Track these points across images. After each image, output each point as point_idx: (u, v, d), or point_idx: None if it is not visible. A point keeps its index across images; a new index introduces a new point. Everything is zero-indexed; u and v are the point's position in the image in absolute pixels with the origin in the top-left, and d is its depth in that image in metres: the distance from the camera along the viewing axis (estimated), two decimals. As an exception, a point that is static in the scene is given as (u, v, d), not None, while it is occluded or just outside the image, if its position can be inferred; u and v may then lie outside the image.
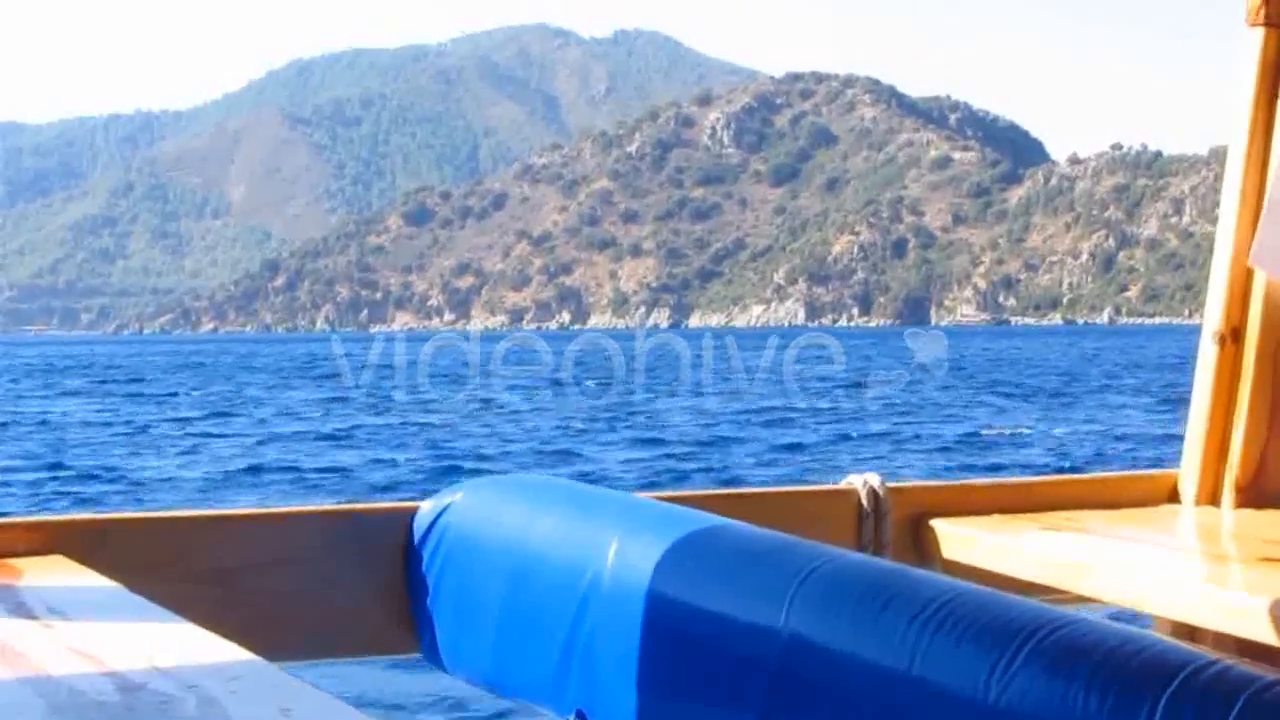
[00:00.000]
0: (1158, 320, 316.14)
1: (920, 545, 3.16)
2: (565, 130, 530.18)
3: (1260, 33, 3.33)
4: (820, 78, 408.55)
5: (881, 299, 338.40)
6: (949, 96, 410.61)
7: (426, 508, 2.94)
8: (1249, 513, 3.33)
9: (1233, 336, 3.35)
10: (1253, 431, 3.35)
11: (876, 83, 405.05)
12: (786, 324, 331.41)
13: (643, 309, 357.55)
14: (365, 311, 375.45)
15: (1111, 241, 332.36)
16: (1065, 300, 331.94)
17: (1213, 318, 3.38)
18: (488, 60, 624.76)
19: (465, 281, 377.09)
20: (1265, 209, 3.29)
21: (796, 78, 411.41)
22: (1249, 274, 3.35)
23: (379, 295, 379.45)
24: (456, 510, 2.89)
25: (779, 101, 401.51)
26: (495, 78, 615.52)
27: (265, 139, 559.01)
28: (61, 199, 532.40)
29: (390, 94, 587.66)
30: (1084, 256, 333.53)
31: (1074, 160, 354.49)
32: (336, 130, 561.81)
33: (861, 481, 3.13)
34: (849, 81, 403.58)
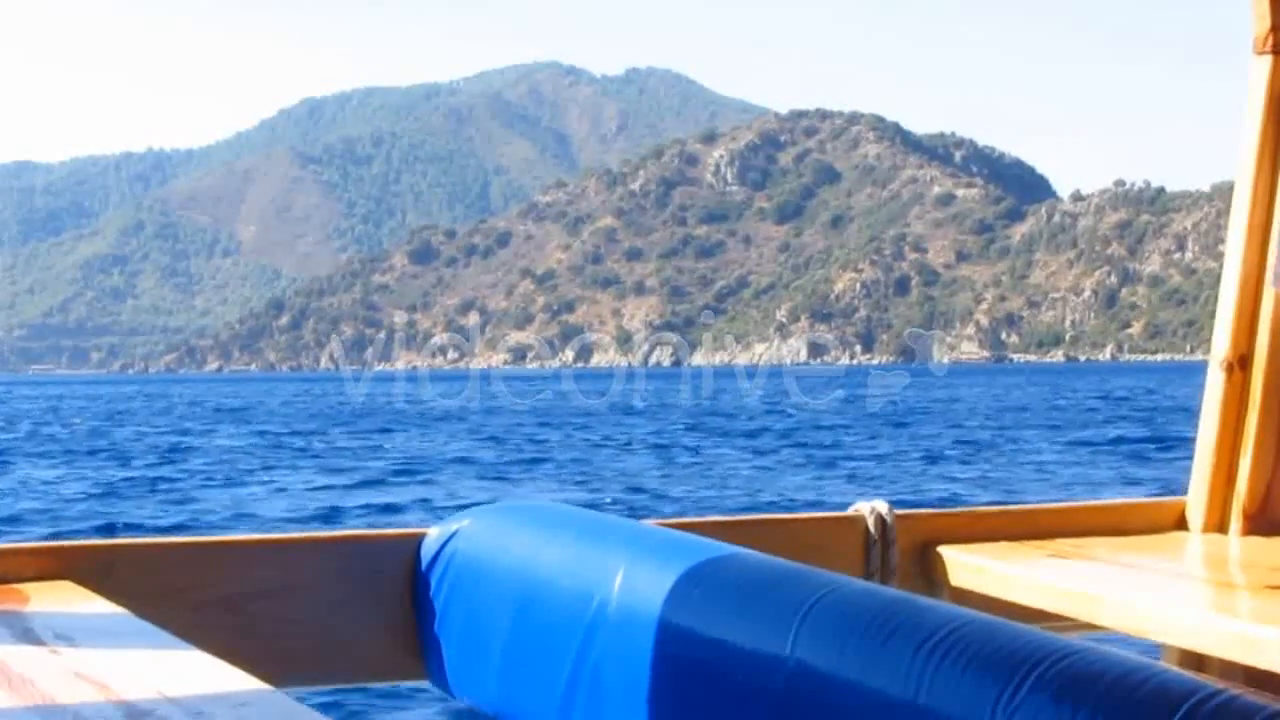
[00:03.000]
0: (1160, 357, 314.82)
1: (928, 572, 3.16)
2: (577, 168, 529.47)
3: (1268, 60, 3.34)
4: (825, 115, 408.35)
5: (884, 336, 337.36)
6: (954, 133, 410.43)
7: (434, 534, 2.95)
8: (1256, 540, 3.32)
9: (1240, 364, 3.35)
10: (1260, 459, 3.34)
11: (881, 120, 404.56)
12: (789, 362, 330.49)
13: (645, 347, 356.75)
14: (369, 350, 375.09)
15: (1114, 278, 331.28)
16: (1068, 337, 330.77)
17: (1220, 346, 3.37)
18: (499, 99, 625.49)
19: (469, 320, 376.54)
20: (1276, 231, 3.29)
21: (801, 115, 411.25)
22: (1256, 302, 3.34)
23: (383, 333, 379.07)
24: (464, 537, 2.90)
25: (783, 139, 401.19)
26: (507, 116, 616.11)
27: (276, 178, 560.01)
28: (72, 238, 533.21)
29: (401, 132, 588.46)
30: (1086, 293, 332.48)
31: (1077, 197, 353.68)
32: (347, 169, 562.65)
33: (869, 509, 3.14)
34: (853, 118, 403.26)
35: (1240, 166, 3.36)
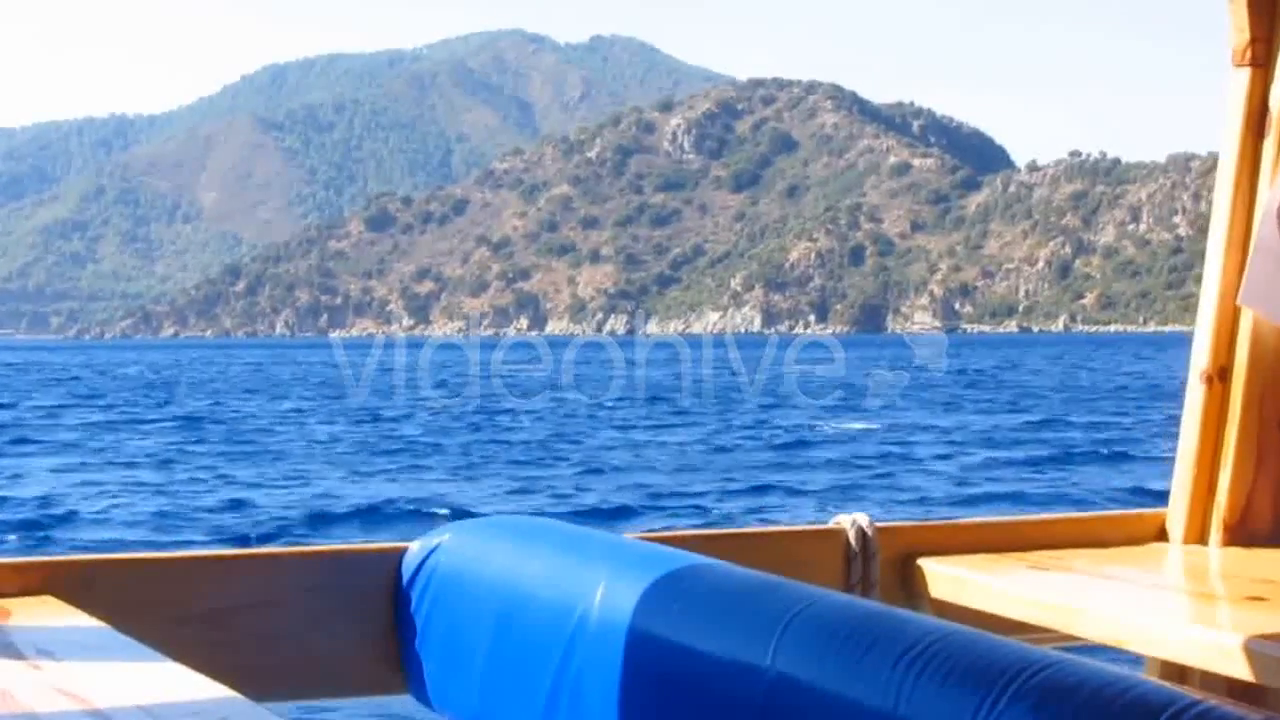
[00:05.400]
0: (1113, 328, 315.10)
1: (908, 585, 3.16)
2: (539, 136, 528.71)
3: (1247, 73, 3.33)
4: (782, 84, 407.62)
5: (838, 306, 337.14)
6: (912, 103, 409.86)
7: (415, 548, 2.95)
8: (1236, 551, 3.33)
9: (1220, 376, 3.35)
10: (1240, 471, 3.34)
11: (839, 89, 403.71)
12: (743, 331, 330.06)
13: (600, 315, 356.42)
14: (325, 317, 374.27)
15: (1068, 249, 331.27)
16: (1021, 308, 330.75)
17: (1200, 358, 3.36)
18: (462, 66, 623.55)
19: (425, 287, 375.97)
20: (1253, 249, 3.28)
21: (759, 83, 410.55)
22: (1236, 314, 3.34)
23: (339, 300, 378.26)
24: (445, 551, 2.90)
25: (740, 108, 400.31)
26: (470, 84, 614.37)
27: (238, 144, 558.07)
28: (32, 202, 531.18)
29: (364, 99, 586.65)
30: (1040, 264, 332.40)
31: (1032, 167, 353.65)
32: (309, 135, 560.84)
33: (850, 521, 3.14)
34: (811, 88, 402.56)
35: (1219, 179, 3.36)
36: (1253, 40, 3.32)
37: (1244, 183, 3.33)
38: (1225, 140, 3.35)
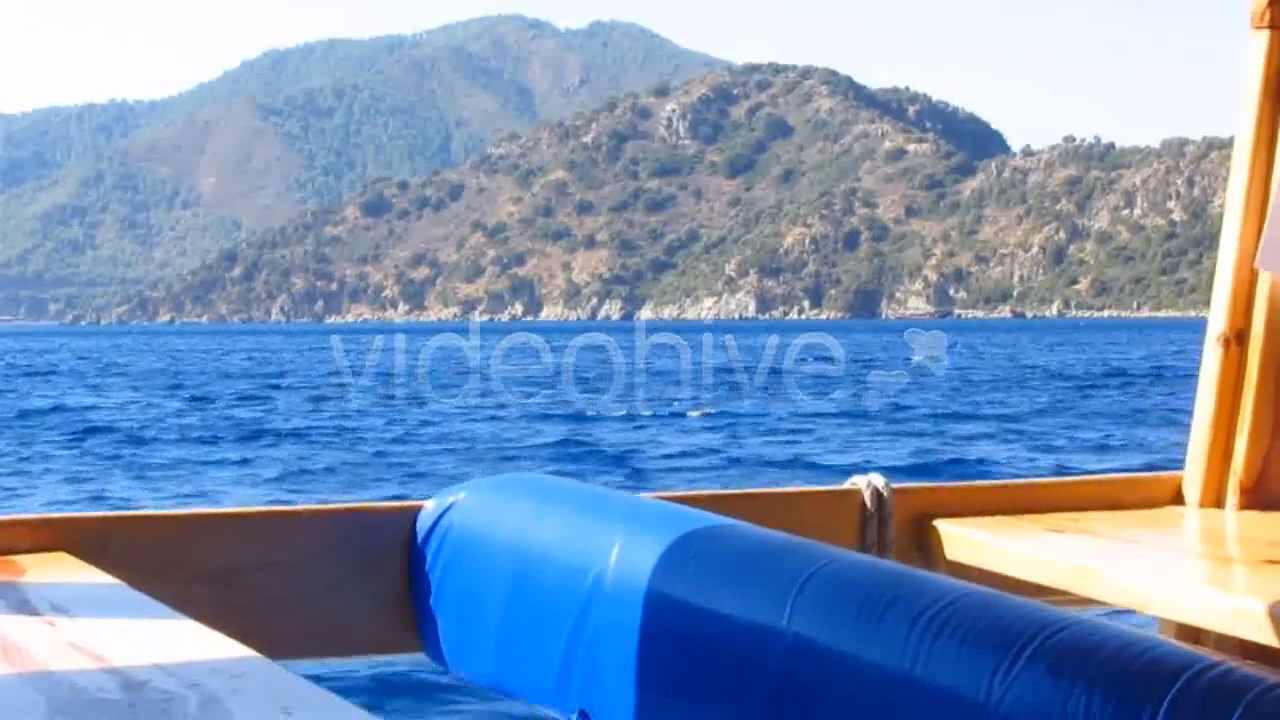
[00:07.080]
0: (1107, 313, 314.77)
1: (924, 546, 3.16)
2: (538, 122, 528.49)
3: (1266, 36, 3.31)
4: (778, 69, 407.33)
5: (833, 291, 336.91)
6: (908, 88, 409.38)
7: (430, 507, 2.94)
8: (1253, 515, 3.33)
9: (1237, 339, 3.35)
10: (1256, 434, 3.34)
11: (834, 74, 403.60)
12: (738, 316, 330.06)
13: (594, 300, 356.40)
14: (320, 302, 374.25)
15: (1062, 234, 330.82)
16: (1015, 293, 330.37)
17: (1217, 321, 3.38)
18: (462, 51, 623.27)
19: (420, 273, 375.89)
20: (1271, 211, 3.27)
21: (754, 68, 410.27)
22: (1253, 277, 3.35)
23: (334, 286, 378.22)
24: (460, 510, 2.90)
25: (736, 93, 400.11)
26: (469, 69, 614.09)
27: (237, 129, 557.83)
28: (32, 188, 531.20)
29: (363, 85, 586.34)
30: (1035, 249, 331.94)
31: (1027, 152, 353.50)
32: (309, 121, 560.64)
33: (865, 482, 3.13)
34: (806, 73, 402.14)
35: (1237, 143, 3.36)
36: (1272, 2, 3.30)
37: (1262, 146, 3.32)
38: (1243, 103, 3.34)
